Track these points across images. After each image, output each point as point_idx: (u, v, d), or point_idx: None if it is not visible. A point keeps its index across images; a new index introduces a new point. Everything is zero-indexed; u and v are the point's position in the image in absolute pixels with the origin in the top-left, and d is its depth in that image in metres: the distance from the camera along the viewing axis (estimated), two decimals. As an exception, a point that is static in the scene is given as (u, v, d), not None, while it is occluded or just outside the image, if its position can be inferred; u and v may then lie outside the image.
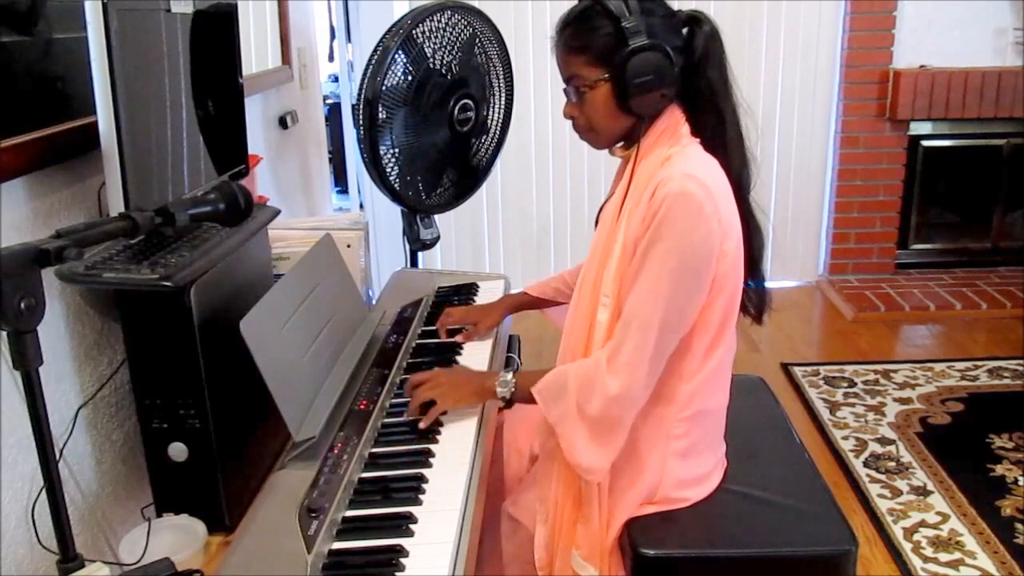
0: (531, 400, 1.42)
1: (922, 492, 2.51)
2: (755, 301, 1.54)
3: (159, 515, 1.35)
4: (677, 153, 1.38)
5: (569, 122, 1.47)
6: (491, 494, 1.51)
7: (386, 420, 1.46)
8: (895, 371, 3.31)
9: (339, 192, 4.75)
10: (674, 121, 1.41)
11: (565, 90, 1.45)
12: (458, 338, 1.78)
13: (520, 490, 1.61)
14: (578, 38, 1.39)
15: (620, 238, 1.39)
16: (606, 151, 1.50)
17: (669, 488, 1.46)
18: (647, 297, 1.32)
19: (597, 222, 1.53)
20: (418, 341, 1.77)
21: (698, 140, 1.41)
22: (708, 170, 1.36)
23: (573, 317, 1.49)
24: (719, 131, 1.42)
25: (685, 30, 1.41)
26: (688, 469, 1.47)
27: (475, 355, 1.73)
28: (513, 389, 1.45)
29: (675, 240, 1.31)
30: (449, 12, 2.20)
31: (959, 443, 2.78)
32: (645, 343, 1.32)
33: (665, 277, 1.31)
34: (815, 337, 3.82)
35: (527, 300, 1.88)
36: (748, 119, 1.46)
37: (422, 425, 1.40)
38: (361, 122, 2.14)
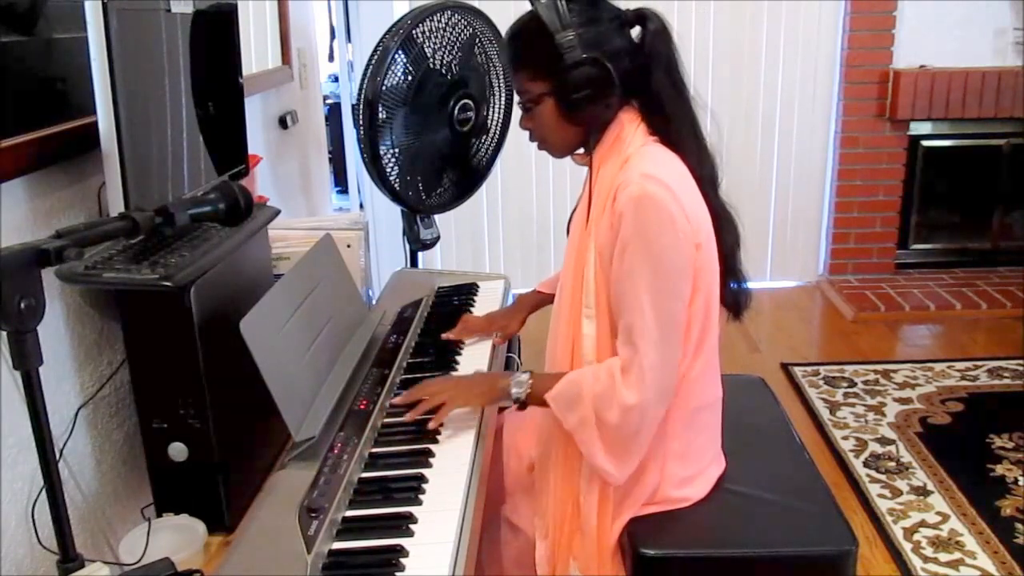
0: (544, 404, 1.40)
1: (922, 492, 2.51)
2: (732, 297, 1.50)
3: (159, 515, 1.35)
4: (634, 154, 1.36)
5: None
6: (491, 496, 1.51)
7: (386, 420, 1.46)
8: (895, 371, 3.31)
9: (339, 192, 4.75)
10: (628, 123, 1.40)
11: (518, 103, 1.45)
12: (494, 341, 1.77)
13: (519, 496, 1.61)
14: (518, 54, 1.41)
15: (592, 246, 1.39)
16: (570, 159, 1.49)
17: (669, 488, 1.46)
18: (634, 305, 1.32)
19: (568, 232, 1.52)
20: (418, 340, 1.75)
21: (655, 138, 1.40)
22: (667, 167, 1.35)
23: (556, 328, 1.48)
24: (670, 132, 1.40)
25: (636, 29, 1.39)
26: (686, 467, 1.47)
27: (474, 358, 1.71)
28: (529, 390, 1.41)
29: (644, 244, 1.30)
30: (449, 12, 2.20)
31: (959, 443, 2.78)
32: (650, 349, 1.31)
33: (644, 282, 1.30)
34: (815, 337, 3.82)
35: (545, 297, 1.82)
36: (705, 115, 1.43)
37: (432, 424, 1.38)
38: (361, 122, 2.14)
